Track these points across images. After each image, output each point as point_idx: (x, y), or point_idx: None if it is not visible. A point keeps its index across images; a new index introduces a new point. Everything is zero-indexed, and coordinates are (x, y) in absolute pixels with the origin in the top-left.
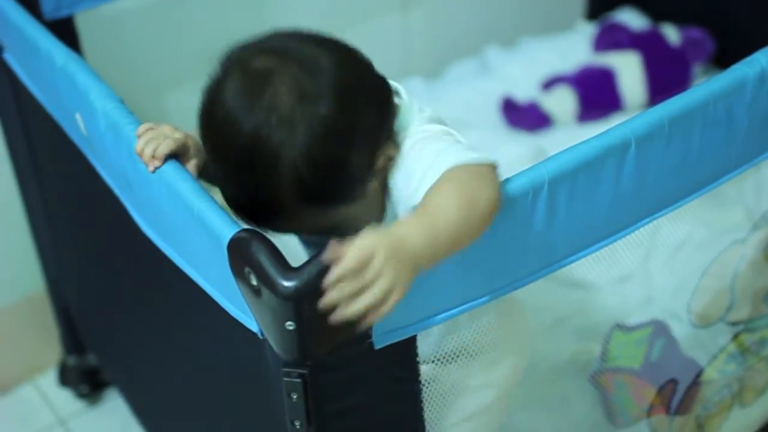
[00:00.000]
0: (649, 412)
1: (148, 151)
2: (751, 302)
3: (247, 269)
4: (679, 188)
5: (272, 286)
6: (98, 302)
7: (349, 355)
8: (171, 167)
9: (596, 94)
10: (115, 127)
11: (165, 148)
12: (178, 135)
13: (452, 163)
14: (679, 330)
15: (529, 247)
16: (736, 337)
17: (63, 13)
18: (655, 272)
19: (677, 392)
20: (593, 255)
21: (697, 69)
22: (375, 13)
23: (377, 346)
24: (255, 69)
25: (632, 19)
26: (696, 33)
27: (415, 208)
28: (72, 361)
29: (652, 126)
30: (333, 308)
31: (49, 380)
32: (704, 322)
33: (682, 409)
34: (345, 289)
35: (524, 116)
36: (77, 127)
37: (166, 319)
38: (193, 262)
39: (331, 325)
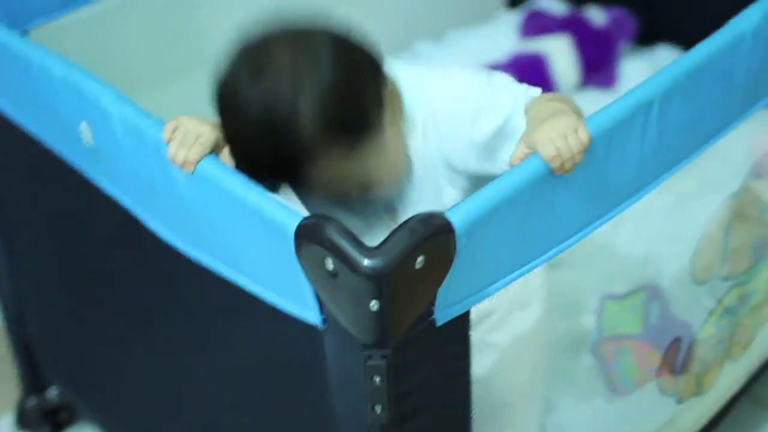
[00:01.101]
0: (658, 372)
1: (180, 157)
2: (741, 256)
3: (322, 253)
4: (690, 143)
5: (355, 267)
6: (73, 333)
7: (415, 333)
8: (212, 164)
9: (530, 79)
10: (136, 131)
11: (197, 151)
12: (206, 130)
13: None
14: (669, 292)
15: (570, 209)
16: (729, 292)
17: (31, 24)
18: (623, 243)
19: (681, 351)
20: None
21: (622, 47)
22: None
23: (438, 323)
24: (256, 42)
25: (552, 4)
26: (619, 13)
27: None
28: (32, 402)
29: (671, 84)
30: (419, 281)
31: (5, 425)
32: (704, 277)
33: (684, 368)
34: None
35: None
36: (73, 139)
37: (176, 336)
38: (233, 261)
39: (411, 301)
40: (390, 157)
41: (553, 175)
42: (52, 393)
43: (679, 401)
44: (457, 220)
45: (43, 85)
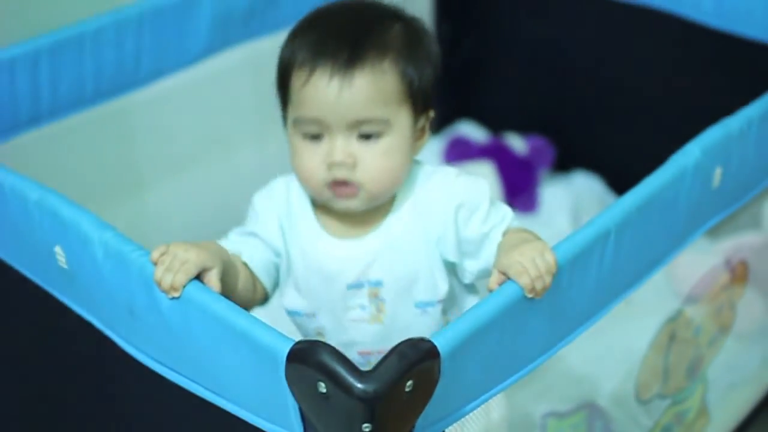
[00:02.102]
0: None
1: (167, 280)
2: (677, 376)
3: (315, 377)
4: (640, 269)
5: (348, 390)
6: None
7: None
8: (198, 289)
9: None
10: (118, 255)
11: (183, 277)
12: (192, 256)
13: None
14: (609, 411)
15: (538, 332)
16: (666, 411)
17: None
18: (558, 362)
19: None
20: None
21: (542, 173)
22: (232, 145)
23: None
24: None
25: (473, 130)
26: (539, 142)
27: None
28: None
29: (625, 215)
30: (407, 404)
31: None
32: (645, 396)
33: None
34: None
35: None
36: (46, 262)
37: None
38: (214, 384)
39: (399, 422)
40: (392, 160)
41: (526, 299)
42: None
43: None
44: (441, 344)
45: (15, 208)
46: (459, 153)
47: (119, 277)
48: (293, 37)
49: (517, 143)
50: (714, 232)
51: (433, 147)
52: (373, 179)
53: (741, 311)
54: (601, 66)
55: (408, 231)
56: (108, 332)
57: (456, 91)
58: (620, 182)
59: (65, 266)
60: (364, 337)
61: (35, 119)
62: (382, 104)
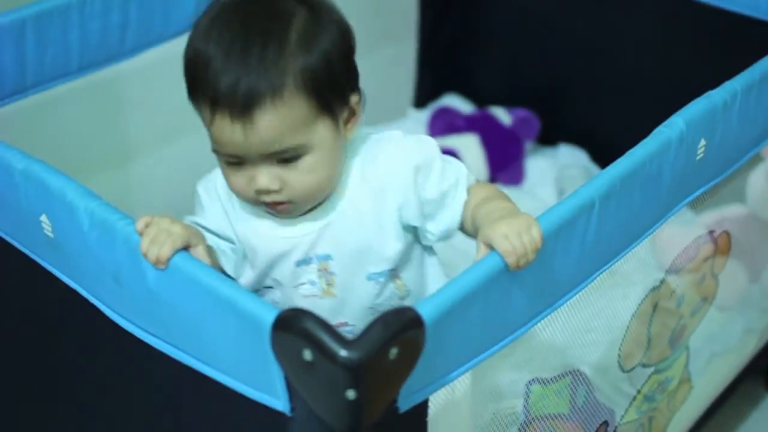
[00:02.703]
0: None
1: (153, 252)
2: (660, 345)
3: (300, 344)
4: (623, 240)
5: (333, 358)
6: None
7: (382, 420)
8: (185, 259)
9: None
10: (104, 224)
11: (169, 249)
12: (178, 228)
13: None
14: (592, 379)
15: (521, 302)
16: (648, 379)
17: None
18: (541, 332)
19: None
20: None
21: (527, 146)
22: None
23: (401, 410)
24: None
25: (458, 104)
26: (524, 113)
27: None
28: None
29: (609, 186)
30: (391, 372)
31: None
32: (629, 365)
33: None
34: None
35: None
36: (32, 231)
37: (134, 424)
38: (199, 351)
39: (383, 390)
40: (332, 156)
41: (508, 271)
42: None
43: None
44: (425, 313)
45: (0, 176)
46: (444, 124)
47: (105, 246)
48: (191, 47)
49: (503, 116)
50: (698, 205)
51: (419, 118)
52: (302, 195)
53: (723, 282)
54: (587, 39)
55: (356, 203)
56: (94, 301)
57: (441, 65)
58: (605, 156)
59: (51, 235)
60: (316, 312)
61: (21, 89)
62: (292, 134)
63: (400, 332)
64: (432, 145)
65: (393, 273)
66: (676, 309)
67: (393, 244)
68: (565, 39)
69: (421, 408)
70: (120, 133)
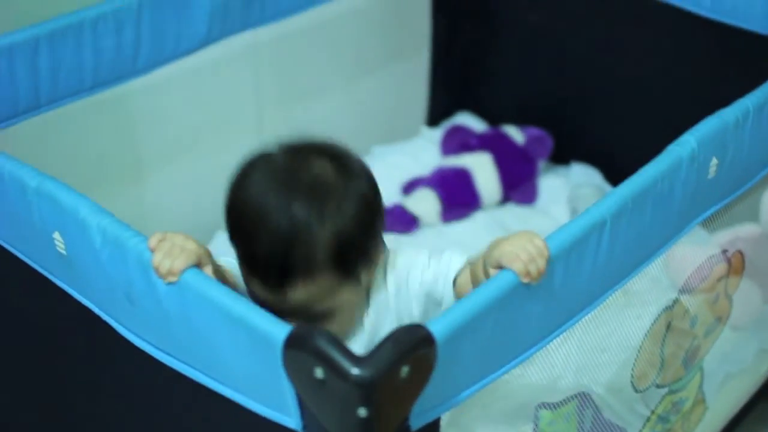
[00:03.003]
0: None
1: (166, 266)
2: (673, 365)
3: (311, 362)
4: (635, 259)
5: (345, 376)
6: None
7: None
8: (196, 275)
9: (455, 193)
10: (116, 241)
11: (182, 262)
12: (191, 244)
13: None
14: (600, 399)
15: (533, 321)
16: (662, 400)
17: None
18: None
19: None
20: None
21: (540, 164)
22: (231, 133)
23: (413, 429)
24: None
25: (471, 122)
26: (537, 132)
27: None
28: None
29: (621, 205)
30: (403, 390)
31: None
32: (642, 385)
33: None
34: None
35: (394, 219)
36: (45, 248)
37: None
38: (211, 369)
39: (395, 408)
40: (359, 302)
41: (521, 286)
42: None
43: None
44: (437, 331)
45: (13, 195)
46: (457, 142)
47: (117, 263)
48: (235, 197)
49: (516, 134)
50: (711, 224)
51: (432, 136)
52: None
53: (737, 302)
54: (599, 57)
55: (382, 307)
56: (106, 318)
57: (454, 83)
58: (618, 174)
59: (64, 252)
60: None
61: (34, 107)
62: (320, 302)
63: (411, 350)
64: (415, 257)
65: None
66: (690, 329)
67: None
68: (578, 58)
69: (433, 427)
70: (132, 149)
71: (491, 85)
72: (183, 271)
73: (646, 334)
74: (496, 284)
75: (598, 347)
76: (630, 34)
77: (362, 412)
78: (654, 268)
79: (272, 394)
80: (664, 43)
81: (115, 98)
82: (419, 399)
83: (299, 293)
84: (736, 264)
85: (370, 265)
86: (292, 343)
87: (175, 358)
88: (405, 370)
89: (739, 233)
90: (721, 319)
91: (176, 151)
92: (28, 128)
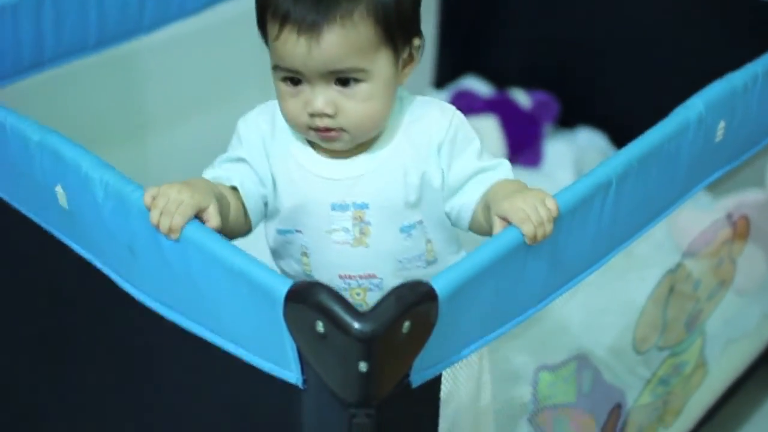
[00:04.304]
0: None
1: (165, 223)
2: (675, 328)
3: (313, 316)
4: (639, 221)
5: (346, 330)
6: (29, 393)
7: (394, 394)
8: (197, 230)
9: None
10: (119, 195)
11: (181, 218)
12: (186, 197)
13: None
14: (601, 361)
15: (536, 280)
16: (663, 362)
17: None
18: (556, 314)
19: (621, 416)
20: None
21: (546, 128)
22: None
23: (414, 385)
24: None
25: (478, 85)
26: (543, 96)
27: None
28: None
29: (627, 166)
30: (404, 345)
31: None
32: (643, 348)
33: (623, 431)
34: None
35: None
36: (47, 202)
37: (141, 395)
38: (211, 322)
39: (395, 363)
40: (373, 106)
41: (526, 246)
42: None
43: None
44: (439, 287)
45: (16, 148)
46: (463, 106)
47: (120, 217)
48: None
49: (522, 98)
50: (717, 189)
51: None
52: (355, 125)
53: (742, 267)
54: (606, 22)
55: (397, 155)
56: (107, 271)
57: (460, 47)
58: (624, 139)
59: (66, 206)
60: (346, 260)
61: (38, 64)
62: (355, 56)
63: (413, 306)
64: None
65: (422, 227)
66: (693, 292)
67: (426, 197)
68: (585, 21)
69: (434, 384)
70: (137, 108)
71: (498, 47)
72: (183, 226)
73: (648, 297)
74: (501, 242)
75: (601, 309)
76: None
77: (363, 366)
78: (658, 232)
79: (273, 349)
80: (672, 6)
81: (120, 57)
82: (420, 355)
83: (334, 41)
84: (741, 229)
85: (407, 49)
86: (293, 297)
87: (176, 311)
88: (406, 325)
89: (744, 198)
90: (724, 284)
91: (181, 109)
92: (32, 86)
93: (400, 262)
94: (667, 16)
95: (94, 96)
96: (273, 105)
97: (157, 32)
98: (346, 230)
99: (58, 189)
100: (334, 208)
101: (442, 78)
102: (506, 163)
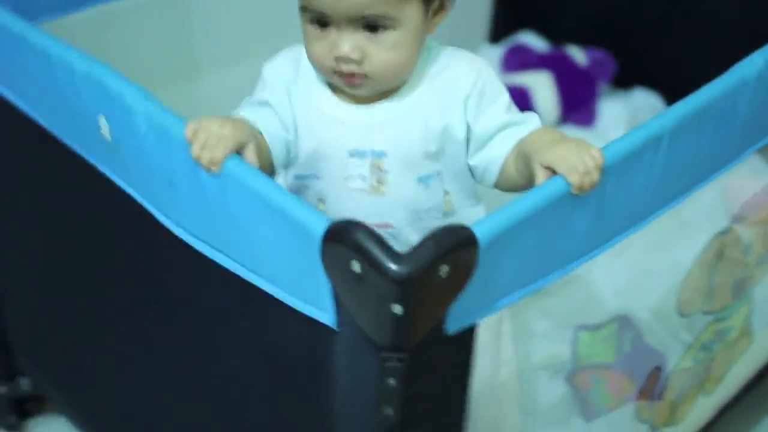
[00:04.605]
0: (638, 396)
1: (206, 158)
2: (722, 293)
3: (349, 256)
4: (691, 178)
5: (382, 271)
6: (56, 324)
7: (428, 340)
8: (237, 164)
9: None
10: (162, 128)
11: (221, 152)
12: (228, 131)
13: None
14: (643, 322)
15: (580, 232)
16: (707, 328)
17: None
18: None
19: (660, 379)
20: None
21: (601, 87)
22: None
23: (449, 332)
24: None
25: (534, 41)
26: (600, 54)
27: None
28: (2, 390)
29: (680, 121)
30: (441, 290)
31: None
32: (688, 312)
33: (662, 395)
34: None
35: None
36: (89, 133)
37: (171, 333)
38: (248, 259)
39: (431, 308)
40: (400, 54)
41: (571, 196)
42: (24, 382)
43: (653, 429)
44: (480, 233)
45: (62, 78)
46: (518, 61)
47: (161, 150)
48: None
49: (578, 55)
50: None
51: (493, 55)
52: (381, 72)
53: None
54: None
55: (420, 105)
56: (147, 205)
57: (517, 1)
58: None
59: (109, 138)
60: (362, 208)
61: None
62: (384, 3)
63: (452, 250)
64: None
65: (440, 178)
66: (742, 257)
67: (449, 149)
68: None
69: (469, 333)
70: (187, 49)
71: (555, 3)
72: (223, 160)
73: (696, 260)
74: (546, 191)
75: (646, 271)
76: None
77: (397, 309)
78: (708, 194)
79: (308, 289)
80: None
81: None
82: (456, 302)
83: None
84: None
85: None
86: (331, 236)
87: (213, 247)
88: (444, 269)
89: None
90: None
91: (231, 54)
92: (82, 21)
93: (416, 212)
94: None
95: (145, 36)
96: (298, 49)
97: None
98: (363, 178)
99: (101, 119)
100: (352, 154)
101: (498, 33)
102: (535, 116)
